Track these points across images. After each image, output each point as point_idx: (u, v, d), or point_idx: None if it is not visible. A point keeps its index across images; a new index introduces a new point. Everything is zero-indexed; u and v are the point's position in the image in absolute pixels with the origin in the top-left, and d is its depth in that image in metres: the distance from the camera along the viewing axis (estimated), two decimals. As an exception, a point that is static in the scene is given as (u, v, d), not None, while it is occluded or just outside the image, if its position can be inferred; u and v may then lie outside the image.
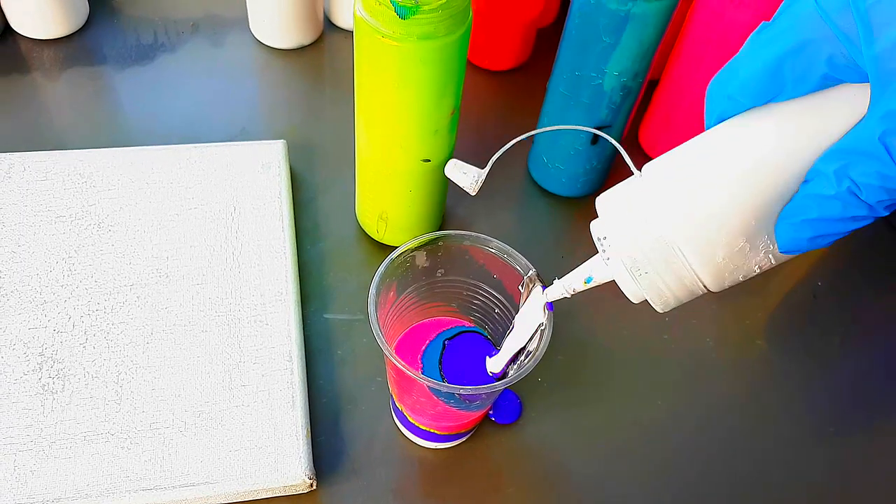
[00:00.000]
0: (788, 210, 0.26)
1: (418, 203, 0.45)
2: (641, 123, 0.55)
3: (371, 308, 0.33)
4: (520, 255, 0.35)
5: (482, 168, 0.35)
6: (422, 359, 0.39)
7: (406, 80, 0.37)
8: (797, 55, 0.25)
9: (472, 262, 0.37)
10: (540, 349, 0.32)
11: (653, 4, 0.39)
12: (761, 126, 0.26)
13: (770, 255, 0.27)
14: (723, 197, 0.26)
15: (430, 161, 0.42)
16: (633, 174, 0.29)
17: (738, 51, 0.27)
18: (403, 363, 0.31)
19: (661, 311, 0.29)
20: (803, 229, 0.25)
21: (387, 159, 0.42)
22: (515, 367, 0.36)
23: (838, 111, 0.25)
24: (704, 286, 0.28)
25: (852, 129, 0.25)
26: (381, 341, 0.32)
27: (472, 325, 0.40)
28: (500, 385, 0.31)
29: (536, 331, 0.34)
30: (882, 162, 0.23)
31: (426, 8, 0.34)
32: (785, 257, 0.27)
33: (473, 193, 0.34)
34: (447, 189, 0.47)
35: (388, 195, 0.44)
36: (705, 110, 0.28)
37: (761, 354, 0.47)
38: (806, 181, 0.25)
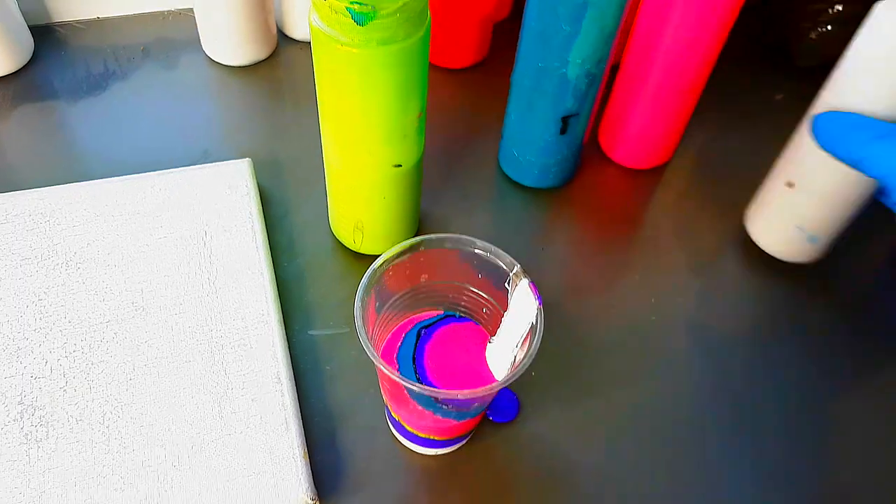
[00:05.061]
0: None
1: (393, 209, 0.44)
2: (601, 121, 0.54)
3: (359, 322, 0.32)
4: (503, 253, 0.35)
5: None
6: (397, 357, 0.37)
7: (370, 87, 0.36)
8: None
9: (456, 264, 0.36)
10: (533, 347, 0.32)
11: (610, -11, 0.39)
12: None
13: None
14: None
15: (401, 166, 0.41)
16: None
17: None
18: (397, 374, 0.31)
19: None
20: None
21: (357, 168, 0.41)
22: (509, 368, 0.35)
23: None
24: None
25: None
26: (372, 355, 0.31)
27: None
28: (496, 386, 0.31)
29: (528, 329, 0.33)
30: None
31: (383, 12, 0.33)
32: None
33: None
34: (421, 191, 0.46)
35: (361, 204, 0.44)
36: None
37: (752, 330, 0.47)
38: None
